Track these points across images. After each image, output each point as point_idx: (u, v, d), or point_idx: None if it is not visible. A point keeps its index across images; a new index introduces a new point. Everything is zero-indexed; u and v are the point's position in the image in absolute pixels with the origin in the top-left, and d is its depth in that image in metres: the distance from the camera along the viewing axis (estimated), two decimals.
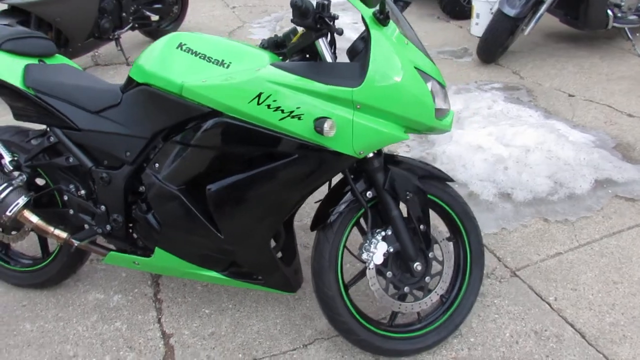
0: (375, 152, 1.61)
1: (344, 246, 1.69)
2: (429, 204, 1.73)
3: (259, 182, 1.56)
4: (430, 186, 1.74)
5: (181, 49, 1.59)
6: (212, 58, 1.55)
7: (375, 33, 1.44)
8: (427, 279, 1.73)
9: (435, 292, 1.75)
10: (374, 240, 1.62)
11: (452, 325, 1.80)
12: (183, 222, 1.66)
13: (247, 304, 2.03)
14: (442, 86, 1.60)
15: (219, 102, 1.49)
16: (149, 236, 1.75)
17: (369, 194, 1.65)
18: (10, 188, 1.78)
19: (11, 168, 1.82)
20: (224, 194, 1.59)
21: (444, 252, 1.76)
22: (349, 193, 1.67)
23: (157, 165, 1.66)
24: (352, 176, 1.68)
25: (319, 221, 1.70)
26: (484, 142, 2.75)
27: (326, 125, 1.37)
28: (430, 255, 1.73)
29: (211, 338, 1.90)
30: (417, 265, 1.66)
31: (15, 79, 1.76)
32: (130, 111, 1.70)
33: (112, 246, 1.90)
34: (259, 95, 1.45)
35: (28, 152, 1.86)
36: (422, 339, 1.77)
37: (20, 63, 1.81)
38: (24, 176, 1.83)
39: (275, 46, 1.71)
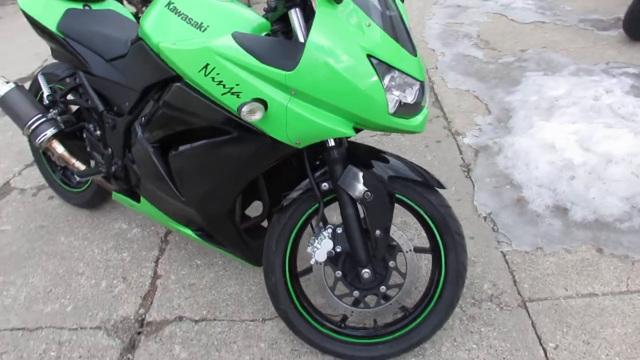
0: (336, 141, 1.45)
1: (297, 234, 1.60)
2: (410, 210, 1.53)
3: (206, 154, 1.53)
4: (407, 189, 1.53)
5: (168, 7, 1.58)
6: (192, 20, 1.51)
7: (322, 10, 1.25)
8: (382, 288, 1.56)
9: (393, 302, 1.58)
10: (320, 235, 1.50)
11: (408, 342, 1.61)
12: (153, 178, 1.72)
13: (234, 265, 2.07)
14: (417, 80, 1.34)
15: (178, 67, 1.47)
16: (136, 184, 1.86)
17: (324, 185, 1.51)
18: (44, 119, 2.01)
19: (47, 102, 2.06)
20: (179, 160, 1.60)
21: (408, 263, 1.56)
22: (308, 180, 1.55)
23: (142, 119, 1.73)
24: (317, 162, 1.55)
25: (277, 203, 1.62)
26: (561, 140, 2.28)
27: (244, 109, 1.26)
28: (391, 264, 1.55)
29: (189, 289, 1.99)
30: (365, 273, 1.50)
31: (51, 22, 1.95)
32: (131, 64, 1.77)
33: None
34: (205, 66, 1.39)
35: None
36: (370, 349, 1.62)
37: (63, 7, 1.99)
38: (57, 110, 2.05)
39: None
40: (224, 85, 1.37)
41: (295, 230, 1.59)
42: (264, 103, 1.32)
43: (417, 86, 1.36)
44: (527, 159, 2.29)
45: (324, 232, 1.50)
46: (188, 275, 2.06)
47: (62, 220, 2.42)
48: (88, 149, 2.04)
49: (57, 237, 2.32)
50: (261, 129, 1.36)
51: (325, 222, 1.54)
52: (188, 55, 1.44)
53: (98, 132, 1.98)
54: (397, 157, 1.58)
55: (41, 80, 2.10)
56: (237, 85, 1.35)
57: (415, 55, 1.36)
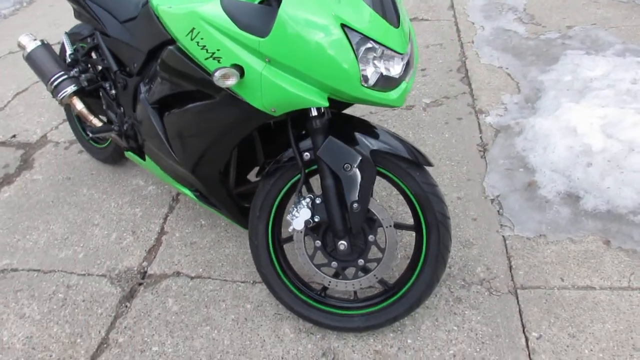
0: (318, 111, 1.44)
1: (281, 201, 1.62)
2: (394, 185, 1.52)
3: (193, 117, 1.56)
4: (391, 164, 1.50)
5: None
6: None
7: None
8: (360, 261, 1.56)
9: (371, 276, 1.58)
10: (299, 204, 1.51)
11: (383, 317, 1.62)
12: (153, 138, 1.79)
13: (236, 228, 2.13)
14: (396, 52, 1.30)
15: (170, 30, 1.51)
16: (142, 143, 1.94)
17: (306, 155, 1.51)
18: (65, 77, 2.12)
19: (69, 60, 2.16)
20: (171, 121, 1.65)
21: (387, 239, 1.54)
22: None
23: (146, 80, 1.79)
24: (303, 132, 1.55)
25: (264, 167, 1.64)
26: (584, 124, 2.14)
27: (217, 74, 1.28)
28: (370, 238, 1.54)
29: (190, 247, 2.08)
30: (342, 245, 1.51)
31: None
32: (139, 26, 1.83)
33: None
34: (192, 30, 1.41)
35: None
36: (346, 320, 1.64)
37: None
38: (78, 69, 2.15)
39: None
40: (206, 50, 1.39)
41: (279, 197, 1.61)
42: (241, 69, 1.33)
43: (395, 59, 1.33)
44: (545, 142, 2.18)
45: (302, 201, 1.51)
46: (191, 234, 2.14)
47: (87, 173, 2.56)
48: (104, 107, 2.14)
49: (80, 189, 2.47)
50: (239, 94, 1.38)
51: (307, 192, 1.55)
52: (177, 18, 1.46)
53: (113, 92, 2.06)
54: (387, 132, 1.55)
55: (65, 40, 2.21)
56: (218, 50, 1.36)
57: (398, 27, 1.32)
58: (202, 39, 1.39)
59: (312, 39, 1.24)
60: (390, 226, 1.54)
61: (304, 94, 1.31)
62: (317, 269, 1.61)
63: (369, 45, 1.27)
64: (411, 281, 1.59)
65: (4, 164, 2.72)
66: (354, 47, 1.25)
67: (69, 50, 2.18)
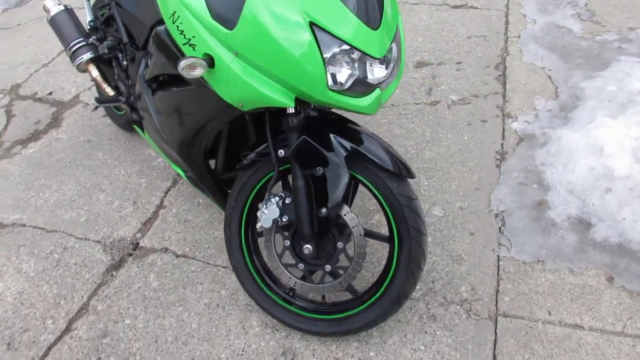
0: (296, 108, 1.37)
1: (257, 194, 1.58)
2: (371, 193, 1.44)
3: (174, 101, 1.55)
4: (368, 171, 1.42)
5: None
6: None
7: None
8: (327, 267, 1.51)
9: (336, 284, 1.52)
10: (269, 202, 1.47)
11: (347, 327, 1.57)
12: (146, 114, 1.79)
13: None
14: (370, 56, 1.20)
15: (160, 10, 1.48)
16: (139, 118, 1.95)
17: (281, 152, 1.45)
18: (83, 43, 2.15)
19: (89, 27, 2.19)
20: (159, 101, 1.65)
21: (356, 248, 1.47)
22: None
23: (146, 56, 1.78)
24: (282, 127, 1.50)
25: (242, 159, 1.60)
26: (614, 144, 1.93)
27: (182, 64, 1.24)
28: (339, 245, 1.48)
29: (183, 224, 2.10)
30: (307, 248, 1.46)
31: None
32: (145, 1, 1.81)
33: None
34: (173, 14, 1.37)
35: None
36: (310, 322, 1.61)
37: None
38: (96, 36, 2.18)
39: None
40: (184, 35, 1.35)
41: (254, 191, 1.58)
42: (212, 59, 1.29)
43: (372, 63, 1.23)
44: (567, 159, 1.99)
45: (272, 199, 1.47)
46: (187, 211, 2.16)
47: (106, 138, 2.63)
48: (115, 77, 2.16)
49: (96, 153, 2.54)
50: (210, 84, 1.34)
51: (282, 189, 1.50)
52: (162, 1, 1.43)
53: (125, 63, 2.08)
54: (371, 137, 1.46)
55: (87, 7, 2.24)
56: (193, 37, 1.32)
57: (377, 29, 1.22)
58: (181, 23, 1.35)
59: (278, 35, 1.17)
60: (361, 235, 1.47)
61: (270, 93, 1.25)
62: (284, 269, 1.57)
63: (339, 47, 1.18)
64: (378, 294, 1.53)
65: (36, 119, 2.85)
66: (322, 48, 1.17)
67: (89, 17, 2.21)
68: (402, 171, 1.42)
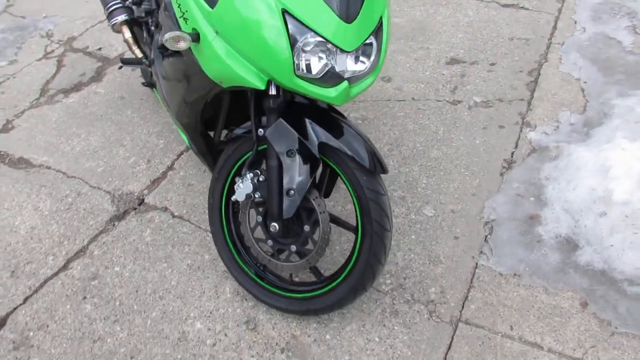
0: (277, 90, 1.41)
1: (240, 168, 1.65)
2: (343, 183, 1.48)
3: (173, 67, 1.65)
4: (341, 161, 1.46)
5: None
6: None
7: None
8: (293, 247, 1.57)
9: (299, 264, 1.58)
10: (245, 177, 1.53)
11: (305, 307, 1.63)
12: (156, 79, 1.90)
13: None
14: (339, 48, 1.22)
15: None
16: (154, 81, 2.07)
17: (260, 131, 1.51)
18: (120, 5, 2.28)
19: None
20: (162, 66, 1.74)
21: (321, 233, 1.51)
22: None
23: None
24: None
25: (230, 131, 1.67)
26: (621, 167, 1.84)
27: (167, 36, 1.31)
28: (305, 227, 1.53)
29: (186, 187, 2.22)
30: (273, 226, 1.52)
31: None
32: None
33: None
34: None
35: None
36: (271, 297, 1.68)
37: None
38: (133, 0, 2.30)
39: None
40: (180, 9, 1.43)
41: (237, 164, 1.65)
42: (198, 35, 1.35)
43: (342, 55, 1.25)
44: (572, 176, 1.92)
45: (248, 175, 1.53)
46: (193, 176, 2.27)
47: (138, 97, 2.79)
48: (144, 41, 2.28)
49: (126, 110, 2.70)
50: (197, 59, 1.41)
51: (253, 165, 1.56)
52: None
53: (152, 28, 2.19)
54: (350, 127, 1.49)
55: None
56: (186, 11, 1.39)
57: (351, 22, 1.23)
58: None
59: (251, 18, 1.22)
60: (326, 221, 1.51)
61: (243, 73, 1.30)
62: (255, 243, 1.64)
63: (309, 36, 1.21)
64: (337, 281, 1.57)
65: (82, 72, 3.05)
66: (291, 35, 1.20)
67: None
68: (373, 166, 1.44)
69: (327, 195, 1.68)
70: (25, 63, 3.15)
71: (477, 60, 2.79)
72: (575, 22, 2.98)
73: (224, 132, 1.86)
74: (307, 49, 1.23)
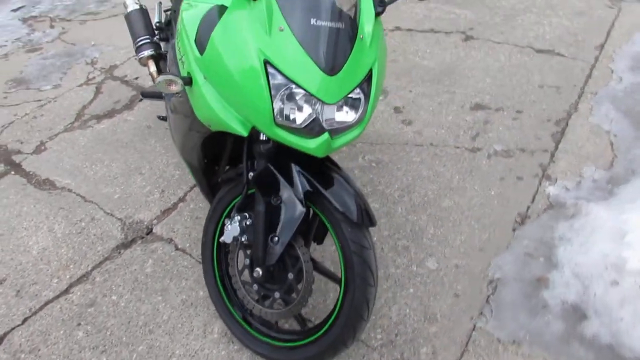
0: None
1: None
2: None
3: (175, 105, 1.67)
4: (327, 210, 1.43)
5: None
6: None
7: (234, 6, 1.20)
8: (277, 294, 1.53)
9: (281, 312, 1.54)
10: (233, 219, 1.53)
11: (288, 356, 1.58)
12: (167, 113, 1.96)
13: None
14: (320, 100, 1.21)
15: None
16: None
17: (251, 174, 1.50)
18: (147, 40, 2.37)
19: (155, 27, 2.41)
20: (169, 101, 1.79)
21: (304, 282, 1.48)
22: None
23: None
24: None
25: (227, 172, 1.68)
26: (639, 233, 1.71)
27: (159, 78, 1.34)
28: (289, 276, 1.50)
29: (193, 221, 2.24)
30: (256, 272, 1.50)
31: None
32: None
33: None
34: (180, 29, 1.49)
35: None
36: (255, 343, 1.65)
37: None
38: (160, 36, 2.40)
39: None
40: (180, 51, 1.46)
41: (230, 205, 1.65)
42: (191, 78, 1.38)
43: (325, 108, 1.23)
44: (586, 238, 1.80)
45: (236, 217, 1.53)
46: (202, 209, 2.29)
47: (163, 127, 2.87)
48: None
49: (150, 139, 2.79)
50: (190, 101, 1.43)
51: (242, 208, 1.55)
52: (179, 15, 1.55)
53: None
54: (341, 177, 1.46)
55: (157, 8, 2.46)
56: (183, 55, 1.43)
57: (335, 74, 1.22)
58: (179, 40, 1.47)
59: (234, 67, 1.23)
60: (310, 271, 1.48)
61: (227, 119, 1.31)
62: (242, 286, 1.62)
63: (290, 87, 1.21)
64: (319, 334, 1.52)
65: (117, 99, 3.19)
66: (272, 86, 1.20)
67: (156, 18, 2.43)
68: (361, 219, 1.40)
69: (320, 241, 1.65)
70: (67, 88, 3.33)
71: (502, 107, 2.71)
72: (612, 71, 2.85)
73: None
74: (288, 99, 1.22)
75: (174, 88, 1.36)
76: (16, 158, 2.70)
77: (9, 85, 3.42)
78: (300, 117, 1.24)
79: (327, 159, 1.53)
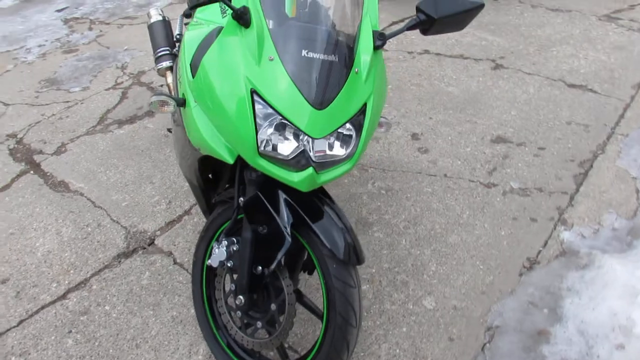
0: None
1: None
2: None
3: (177, 118, 1.67)
4: (314, 244, 1.39)
5: None
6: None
7: (228, 29, 1.18)
8: (259, 323, 1.50)
9: (262, 344, 1.50)
10: (221, 244, 1.50)
11: None
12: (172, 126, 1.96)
13: None
14: (305, 133, 1.17)
15: None
16: None
17: (241, 199, 1.48)
18: (167, 52, 2.40)
19: (174, 39, 2.44)
20: (176, 114, 1.78)
21: (286, 314, 1.43)
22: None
23: None
24: None
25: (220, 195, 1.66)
26: None
27: (153, 98, 1.33)
28: (272, 307, 1.46)
29: (194, 235, 2.23)
30: (239, 299, 1.47)
31: None
32: None
33: None
34: (183, 49, 1.49)
35: None
36: None
37: None
38: (179, 48, 2.42)
39: None
40: (179, 71, 1.46)
41: (222, 228, 1.62)
42: (184, 100, 1.37)
43: (304, 140, 1.20)
44: (596, 293, 1.69)
45: (223, 242, 1.50)
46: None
47: None
48: None
49: (165, 148, 2.81)
50: (183, 122, 1.42)
51: (230, 233, 1.53)
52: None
53: None
54: (332, 211, 1.42)
55: (178, 21, 2.49)
56: (180, 75, 1.42)
57: (323, 109, 1.18)
58: (180, 61, 1.46)
59: (222, 94, 1.21)
60: (292, 304, 1.43)
61: (214, 145, 1.29)
62: (226, 311, 1.59)
63: (276, 118, 1.18)
64: None
65: (140, 105, 3.24)
66: (257, 116, 1.18)
67: (177, 30, 2.46)
68: (347, 257, 1.36)
69: (310, 272, 1.60)
70: (95, 91, 3.41)
71: (525, 141, 2.61)
72: None
73: None
74: (275, 130, 1.19)
75: (166, 109, 1.36)
76: (37, 158, 2.77)
77: (41, 84, 3.53)
78: (287, 149, 1.21)
79: (320, 189, 1.49)
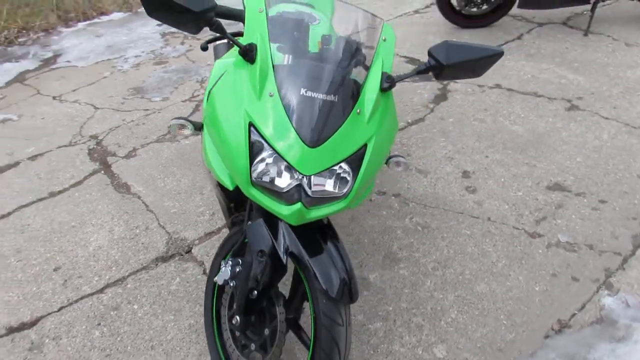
0: None
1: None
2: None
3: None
4: (309, 275, 1.40)
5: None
6: None
7: (237, 62, 1.23)
8: (252, 345, 1.53)
9: None
10: (227, 263, 1.56)
11: None
12: None
13: None
14: (295, 170, 1.18)
15: None
16: None
17: (249, 223, 1.52)
18: None
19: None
20: None
21: (277, 340, 1.45)
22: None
23: None
24: None
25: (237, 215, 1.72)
26: None
27: (173, 121, 1.42)
28: (265, 331, 1.49)
29: None
30: (235, 319, 1.51)
31: None
32: None
33: None
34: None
35: None
36: None
37: None
38: None
39: None
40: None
41: (234, 247, 1.68)
42: (201, 124, 1.45)
43: (296, 176, 1.22)
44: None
45: (229, 262, 1.55)
46: None
47: None
48: None
49: None
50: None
51: (237, 253, 1.57)
52: None
53: None
54: (333, 246, 1.43)
55: None
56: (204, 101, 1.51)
57: (315, 147, 1.19)
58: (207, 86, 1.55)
59: (224, 123, 1.27)
60: (283, 331, 1.45)
61: (218, 170, 1.35)
62: (228, 328, 1.64)
63: (269, 153, 1.21)
64: None
65: None
66: (252, 148, 1.22)
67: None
68: (340, 295, 1.35)
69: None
70: (173, 102, 3.67)
71: (585, 192, 2.41)
72: None
73: None
74: (267, 163, 1.23)
75: (184, 132, 1.45)
76: (110, 159, 3.04)
77: (129, 92, 3.87)
78: (283, 182, 1.24)
79: (327, 223, 1.50)
